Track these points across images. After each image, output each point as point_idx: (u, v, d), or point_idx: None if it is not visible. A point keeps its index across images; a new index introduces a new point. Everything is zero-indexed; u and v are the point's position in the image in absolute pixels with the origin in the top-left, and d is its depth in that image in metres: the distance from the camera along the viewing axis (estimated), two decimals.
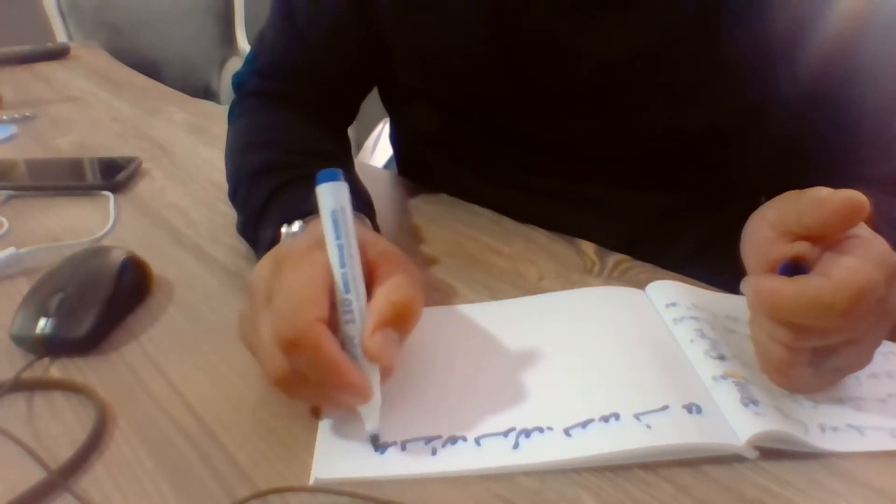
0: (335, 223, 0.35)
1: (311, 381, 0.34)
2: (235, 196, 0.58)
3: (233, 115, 0.67)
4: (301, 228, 0.45)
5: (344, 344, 0.35)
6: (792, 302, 0.34)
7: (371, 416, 0.36)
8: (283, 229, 0.45)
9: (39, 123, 0.93)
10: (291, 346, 0.33)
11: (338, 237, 0.35)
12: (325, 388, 0.34)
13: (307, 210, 0.45)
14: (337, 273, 0.35)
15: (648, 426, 0.36)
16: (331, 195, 0.36)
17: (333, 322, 0.35)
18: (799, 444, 0.35)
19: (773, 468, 0.35)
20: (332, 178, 0.36)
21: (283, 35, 0.66)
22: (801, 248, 0.36)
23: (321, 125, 0.64)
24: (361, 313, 0.36)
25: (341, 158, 0.62)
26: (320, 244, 0.36)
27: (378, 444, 0.36)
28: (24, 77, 1.18)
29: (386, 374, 0.36)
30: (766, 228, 0.38)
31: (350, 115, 0.71)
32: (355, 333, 0.35)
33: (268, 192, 0.51)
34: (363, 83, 0.70)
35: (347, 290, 0.35)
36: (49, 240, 0.59)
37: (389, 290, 0.36)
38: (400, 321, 0.36)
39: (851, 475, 0.35)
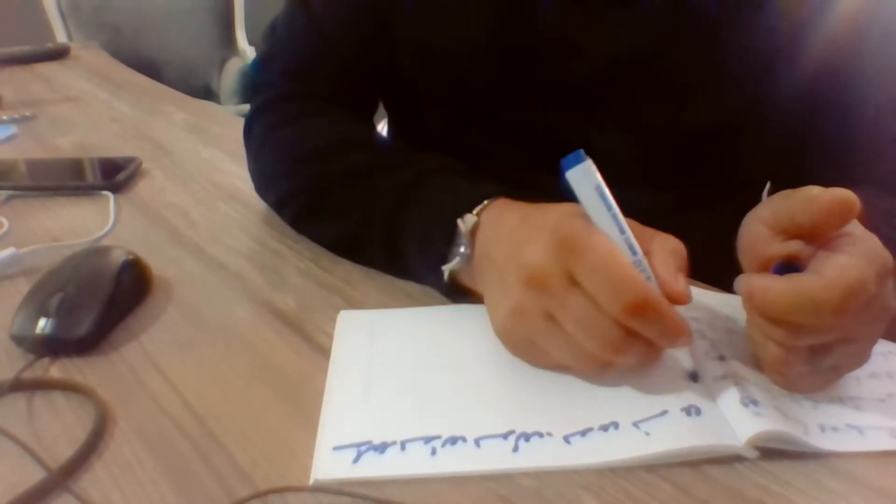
0: (603, 197, 0.37)
1: (640, 340, 0.36)
2: (322, 201, 0.56)
3: (261, 125, 0.64)
4: (474, 224, 0.45)
5: None
6: (784, 300, 0.35)
7: (686, 356, 0.40)
8: (465, 222, 0.45)
9: (39, 123, 0.93)
10: (639, 310, 0.35)
11: (609, 208, 0.37)
12: (662, 339, 0.37)
13: (471, 202, 0.46)
14: (620, 240, 0.37)
15: (647, 433, 0.36)
16: (589, 173, 0.37)
17: None
18: (799, 444, 0.35)
19: (773, 468, 0.35)
20: (582, 160, 0.37)
21: (301, 31, 0.64)
22: (794, 246, 0.36)
23: (369, 124, 0.64)
24: (649, 268, 0.38)
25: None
26: (586, 221, 0.38)
27: (696, 378, 0.39)
28: (24, 77, 1.18)
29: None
30: (761, 227, 0.38)
31: (372, 110, 0.69)
32: (653, 287, 0.37)
33: (398, 189, 0.50)
34: (379, 76, 0.68)
35: (635, 253, 0.37)
36: (49, 240, 0.59)
37: (664, 241, 0.39)
38: (684, 263, 0.39)
39: (851, 475, 0.35)
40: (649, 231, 0.39)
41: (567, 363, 0.39)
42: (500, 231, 0.43)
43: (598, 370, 0.39)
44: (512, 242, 0.41)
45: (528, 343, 0.40)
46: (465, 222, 0.45)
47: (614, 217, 0.37)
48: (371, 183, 0.52)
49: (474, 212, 0.45)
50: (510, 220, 0.43)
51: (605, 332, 0.36)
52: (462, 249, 0.45)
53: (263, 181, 0.64)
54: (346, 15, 0.63)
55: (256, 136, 0.64)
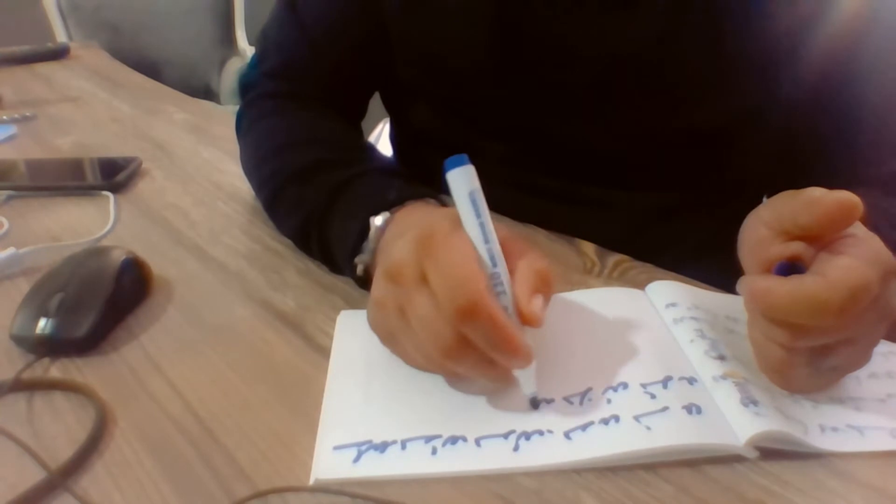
0: (474, 203, 0.37)
1: (476, 352, 0.36)
2: (279, 199, 0.58)
3: (246, 119, 0.67)
4: (385, 221, 0.46)
5: None
6: (787, 301, 0.34)
7: (529, 380, 0.38)
8: (374, 221, 0.46)
9: (39, 123, 0.93)
10: (468, 315, 0.34)
11: (478, 215, 0.37)
12: (495, 353, 0.36)
13: (391, 201, 0.47)
14: (483, 249, 0.37)
15: (648, 428, 0.36)
16: (465, 178, 0.37)
17: None
18: (799, 444, 0.35)
19: (773, 468, 0.35)
20: (462, 163, 0.37)
21: (288, 32, 0.66)
22: (796, 247, 0.36)
23: (344, 122, 0.64)
24: (508, 285, 0.37)
25: (377, 152, 0.63)
26: (458, 225, 0.38)
27: (538, 404, 0.38)
28: (24, 77, 1.18)
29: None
30: (762, 228, 0.38)
31: (360, 111, 0.71)
32: (506, 303, 0.37)
33: (332, 189, 0.52)
34: (370, 78, 0.70)
35: (495, 265, 0.37)
36: (49, 240, 0.59)
37: (531, 261, 0.38)
38: (546, 288, 0.38)
39: (851, 475, 0.35)
40: (523, 249, 0.39)
41: (419, 361, 0.39)
42: (401, 228, 0.45)
43: (442, 373, 0.39)
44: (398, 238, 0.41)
45: (390, 336, 0.40)
46: (378, 219, 0.46)
47: (482, 225, 0.37)
48: (318, 180, 0.54)
49: (391, 210, 0.47)
50: (413, 219, 0.45)
51: (441, 335, 0.35)
52: (370, 245, 0.46)
53: (245, 173, 0.66)
54: (335, 23, 0.64)
55: (241, 130, 0.67)
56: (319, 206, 0.52)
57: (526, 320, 0.37)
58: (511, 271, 0.38)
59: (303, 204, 0.54)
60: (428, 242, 0.37)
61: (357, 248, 0.48)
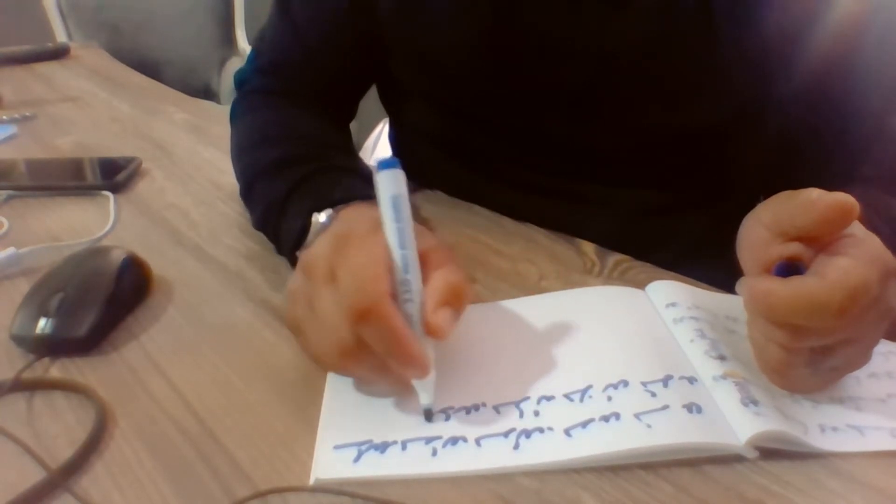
0: (395, 208, 0.37)
1: (372, 355, 0.36)
2: (251, 192, 0.59)
3: (236, 113, 0.68)
4: (329, 217, 0.47)
5: None
6: (787, 303, 0.34)
7: (426, 390, 0.37)
8: (318, 217, 0.47)
9: (39, 123, 0.93)
10: (363, 316, 0.34)
11: (398, 220, 0.37)
12: (389, 360, 0.36)
13: (336, 199, 0.48)
14: (397, 254, 0.37)
15: (649, 426, 0.36)
16: (391, 181, 0.37)
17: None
18: (799, 444, 0.35)
19: (773, 468, 0.35)
20: (392, 166, 0.37)
21: (282, 33, 0.66)
22: (795, 248, 0.36)
23: (326, 120, 0.65)
24: (419, 294, 0.37)
25: (353, 152, 0.63)
26: (378, 227, 0.38)
27: (431, 417, 0.37)
28: (24, 77, 1.18)
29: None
30: (761, 229, 0.38)
31: (350, 111, 0.72)
32: (413, 312, 0.37)
33: (291, 184, 0.53)
34: (362, 80, 0.70)
35: (407, 271, 0.37)
36: (49, 240, 0.59)
37: (446, 273, 0.38)
38: (457, 301, 0.38)
39: (851, 475, 0.35)
40: (442, 261, 0.39)
41: (317, 358, 0.39)
42: (341, 225, 0.45)
43: (339, 372, 0.40)
44: None
45: (297, 328, 0.40)
46: (321, 216, 0.47)
47: (400, 231, 0.37)
48: (283, 174, 0.54)
49: (335, 207, 0.47)
50: (353, 218, 0.45)
51: (339, 333, 0.35)
52: (310, 240, 0.47)
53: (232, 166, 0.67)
54: (327, 25, 0.65)
55: (232, 124, 0.68)
56: (277, 200, 0.53)
57: (430, 331, 0.37)
58: (425, 281, 0.38)
59: (266, 197, 0.55)
60: (343, 241, 0.37)
61: (300, 243, 0.49)
